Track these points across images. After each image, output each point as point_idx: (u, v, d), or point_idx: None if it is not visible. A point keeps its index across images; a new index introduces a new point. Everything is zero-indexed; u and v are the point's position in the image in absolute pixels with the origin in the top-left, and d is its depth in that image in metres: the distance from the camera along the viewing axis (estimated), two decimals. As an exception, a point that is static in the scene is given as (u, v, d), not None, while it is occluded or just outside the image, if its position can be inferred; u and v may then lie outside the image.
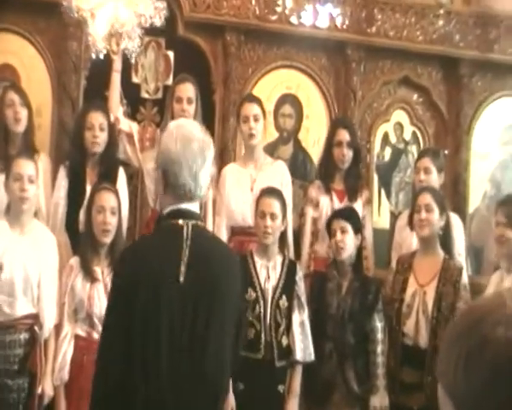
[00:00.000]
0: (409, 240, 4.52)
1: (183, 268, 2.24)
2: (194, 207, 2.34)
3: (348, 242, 3.99)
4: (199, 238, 2.31)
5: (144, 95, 5.35)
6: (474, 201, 5.69)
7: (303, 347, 3.83)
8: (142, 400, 2.20)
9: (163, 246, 2.30)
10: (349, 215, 4.14)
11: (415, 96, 5.80)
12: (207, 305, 2.27)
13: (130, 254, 2.35)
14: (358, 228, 4.10)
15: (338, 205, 4.68)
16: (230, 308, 2.40)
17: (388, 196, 5.70)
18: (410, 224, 4.15)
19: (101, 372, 2.25)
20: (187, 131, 2.30)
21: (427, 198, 4.02)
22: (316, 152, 5.49)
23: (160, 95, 5.32)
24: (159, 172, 2.33)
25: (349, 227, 4.01)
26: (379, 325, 3.99)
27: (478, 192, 5.71)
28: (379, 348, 3.97)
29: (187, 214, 2.31)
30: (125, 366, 2.19)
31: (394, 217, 5.55)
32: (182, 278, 2.24)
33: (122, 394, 2.20)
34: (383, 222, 5.59)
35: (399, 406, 3.94)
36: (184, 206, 2.31)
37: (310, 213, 4.79)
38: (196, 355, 2.26)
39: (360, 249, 4.15)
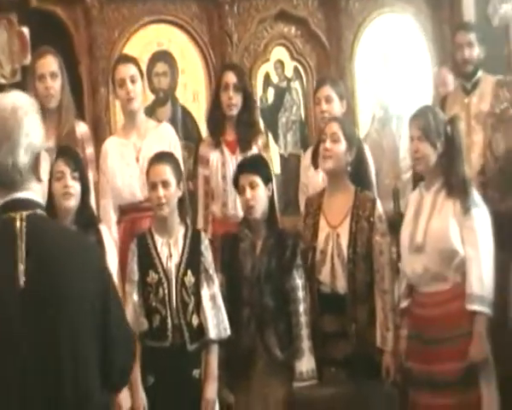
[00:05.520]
0: (315, 180, 4.32)
1: (21, 269, 1.87)
2: (30, 194, 1.97)
3: (260, 197, 3.68)
4: (38, 231, 1.94)
5: (1, 81, 4.94)
6: (364, 127, 5.55)
7: (216, 322, 3.55)
8: None
9: None
10: (256, 166, 3.80)
11: (293, 30, 5.58)
12: (55, 313, 1.90)
13: None
14: (269, 178, 3.80)
15: (229, 158, 4.45)
16: (88, 313, 1.97)
17: (276, 139, 5.51)
18: (314, 162, 3.92)
19: None
20: None
21: (333, 127, 3.77)
22: (196, 108, 5.28)
23: (18, 77, 4.94)
24: None
25: (259, 180, 3.68)
26: (299, 282, 3.72)
27: (366, 117, 5.57)
28: (301, 308, 3.70)
29: (20, 204, 1.95)
30: None
31: (284, 160, 5.45)
32: (21, 282, 1.87)
33: None
34: (274, 167, 5.29)
35: (323, 358, 3.71)
36: (18, 195, 1.95)
37: (200, 172, 4.57)
38: (49, 378, 1.89)
39: (273, 201, 3.83)
